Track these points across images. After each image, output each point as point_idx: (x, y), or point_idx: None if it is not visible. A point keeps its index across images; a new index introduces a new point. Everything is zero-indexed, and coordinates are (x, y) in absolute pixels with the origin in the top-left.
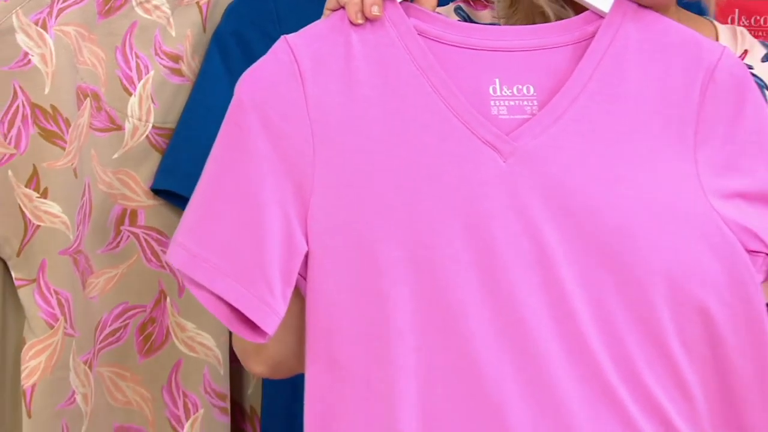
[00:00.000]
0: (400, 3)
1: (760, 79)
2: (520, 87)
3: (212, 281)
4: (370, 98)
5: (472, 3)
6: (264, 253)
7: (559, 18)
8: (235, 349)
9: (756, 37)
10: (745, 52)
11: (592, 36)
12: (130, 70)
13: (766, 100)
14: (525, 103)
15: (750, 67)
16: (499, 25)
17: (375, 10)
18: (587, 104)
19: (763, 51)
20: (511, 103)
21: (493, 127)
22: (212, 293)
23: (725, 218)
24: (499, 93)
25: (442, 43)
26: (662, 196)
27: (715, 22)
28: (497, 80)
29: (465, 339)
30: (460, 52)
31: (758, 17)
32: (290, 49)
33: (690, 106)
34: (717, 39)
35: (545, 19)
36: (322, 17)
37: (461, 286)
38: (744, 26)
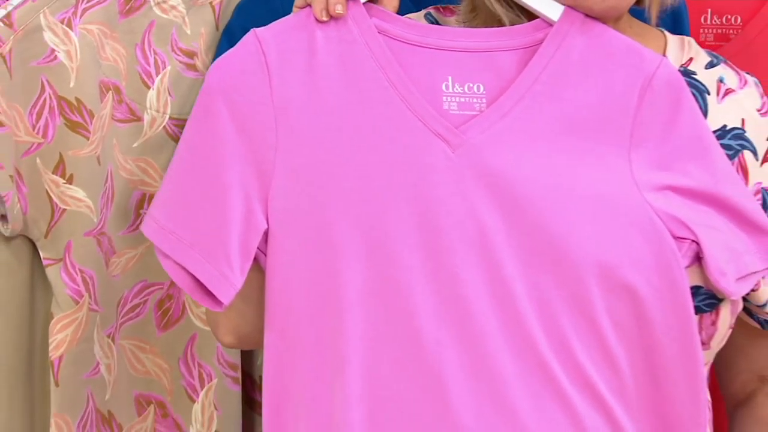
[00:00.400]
0: (363, 3)
1: (703, 85)
2: (471, 85)
3: (177, 252)
4: (331, 90)
5: (441, 10)
6: (225, 229)
7: (513, 25)
8: (207, 321)
9: (728, 35)
10: (690, 59)
11: (541, 42)
12: (149, 66)
13: (707, 104)
14: (474, 100)
15: (694, 73)
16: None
17: (339, 9)
18: (532, 104)
19: (707, 59)
20: (462, 99)
21: (444, 121)
22: (177, 263)
23: (655, 209)
24: (451, 90)
25: (401, 41)
26: (596, 188)
27: (666, 33)
28: (450, 78)
29: (409, 313)
30: (417, 51)
31: (729, 16)
32: (258, 41)
33: (628, 110)
34: (665, 48)
35: (501, 25)
36: (291, 14)
37: (408, 264)
38: (715, 25)
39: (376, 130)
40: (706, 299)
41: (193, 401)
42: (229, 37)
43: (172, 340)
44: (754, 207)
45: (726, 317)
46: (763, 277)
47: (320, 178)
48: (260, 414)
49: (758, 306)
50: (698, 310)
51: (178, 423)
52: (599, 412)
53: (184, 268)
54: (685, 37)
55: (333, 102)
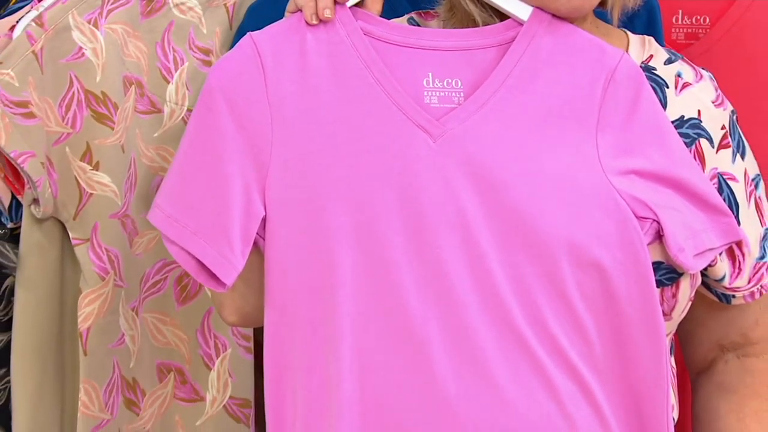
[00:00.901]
0: (349, 7)
1: (663, 79)
2: (450, 80)
3: (182, 239)
4: (321, 87)
5: (423, 14)
6: (226, 216)
7: (486, 24)
8: (212, 302)
9: (697, 34)
10: (651, 56)
11: (512, 40)
12: (168, 62)
13: (666, 96)
14: (453, 94)
15: (654, 69)
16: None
17: (327, 13)
18: (506, 96)
19: (665, 56)
20: (442, 93)
21: (425, 113)
22: (182, 248)
23: (620, 191)
24: (431, 85)
25: (384, 41)
26: (565, 172)
27: (628, 32)
28: (430, 74)
29: (396, 288)
30: (399, 50)
31: (698, 17)
32: (254, 44)
33: (593, 100)
34: (628, 46)
35: (476, 25)
36: (284, 18)
37: (394, 245)
38: (686, 25)
39: (363, 123)
40: (667, 273)
41: (210, 369)
42: (241, 36)
43: (190, 313)
44: (709, 189)
45: (686, 290)
46: (719, 254)
47: (312, 168)
48: None
49: (716, 280)
50: (659, 283)
51: (196, 389)
52: (571, 378)
53: (189, 253)
54: (645, 36)
55: (323, 98)
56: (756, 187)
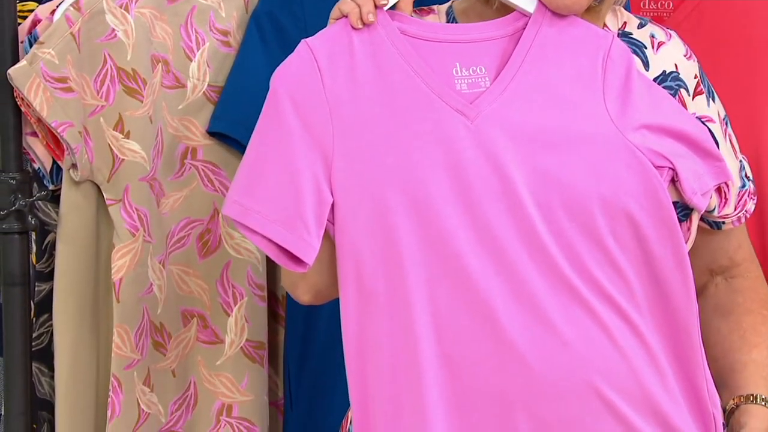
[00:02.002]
0: (386, 11)
1: (640, 41)
2: (475, 68)
3: (263, 227)
4: (369, 83)
5: (418, 11)
6: (301, 204)
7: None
8: (284, 285)
9: (662, 18)
10: (624, 23)
11: (523, 29)
12: (191, 42)
13: (647, 56)
14: (479, 79)
15: (630, 33)
16: (447, 23)
17: (371, 17)
18: (524, 78)
19: (637, 21)
20: (470, 80)
21: (460, 99)
22: (263, 236)
23: (636, 145)
24: (460, 73)
25: (418, 38)
26: (588, 136)
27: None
28: (458, 64)
29: (456, 254)
30: (430, 45)
31: (663, 1)
32: (310, 49)
33: (596, 75)
34: (604, 20)
35: (488, 18)
36: (329, 25)
37: (449, 216)
38: (652, 9)
39: (408, 112)
40: (682, 211)
41: (228, 315)
42: (255, 20)
43: (211, 266)
44: (705, 136)
45: (696, 223)
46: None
47: (369, 156)
48: (282, 325)
49: (708, 212)
50: (678, 220)
51: (216, 332)
52: (617, 315)
53: (269, 240)
54: (615, 6)
55: (372, 93)
56: (727, 125)
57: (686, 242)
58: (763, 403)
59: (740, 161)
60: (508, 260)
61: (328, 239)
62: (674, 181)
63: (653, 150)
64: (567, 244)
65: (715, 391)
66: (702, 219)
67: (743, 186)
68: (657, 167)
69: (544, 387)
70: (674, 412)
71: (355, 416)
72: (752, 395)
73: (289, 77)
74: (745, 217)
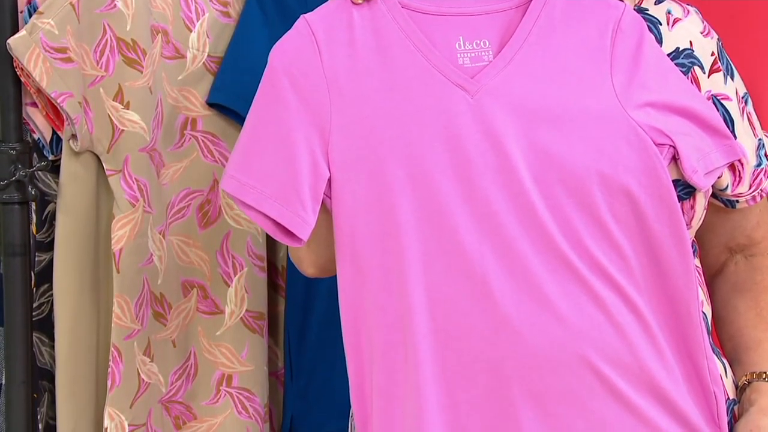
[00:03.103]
0: None
1: (656, 17)
2: (479, 42)
3: (259, 203)
4: (369, 58)
5: None
6: (297, 180)
7: None
8: (292, 258)
9: None
10: None
11: (529, 2)
12: (191, 13)
13: (661, 33)
14: (483, 53)
15: (647, 9)
16: None
17: None
18: (529, 51)
19: None
20: (473, 54)
21: (462, 73)
22: (259, 212)
23: (638, 122)
24: (463, 47)
25: (420, 12)
26: (589, 111)
27: None
28: (461, 37)
29: (452, 229)
30: (433, 19)
31: None
32: (308, 25)
33: (604, 48)
34: None
35: None
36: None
37: (446, 190)
38: None
39: (409, 86)
40: (684, 189)
41: (228, 285)
42: None
43: (211, 236)
44: (713, 114)
45: (701, 201)
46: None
47: (368, 130)
48: (282, 296)
49: (721, 190)
50: (678, 198)
51: (216, 303)
52: (614, 291)
53: (265, 215)
54: None
55: (372, 68)
56: (746, 103)
57: (691, 220)
58: None
59: (759, 140)
60: (504, 235)
61: (327, 214)
62: (675, 159)
63: (655, 127)
64: (564, 219)
65: (717, 369)
66: (716, 197)
67: (759, 164)
68: (657, 145)
69: (538, 360)
70: (672, 388)
71: (352, 386)
72: (764, 372)
73: (287, 53)
74: (761, 196)
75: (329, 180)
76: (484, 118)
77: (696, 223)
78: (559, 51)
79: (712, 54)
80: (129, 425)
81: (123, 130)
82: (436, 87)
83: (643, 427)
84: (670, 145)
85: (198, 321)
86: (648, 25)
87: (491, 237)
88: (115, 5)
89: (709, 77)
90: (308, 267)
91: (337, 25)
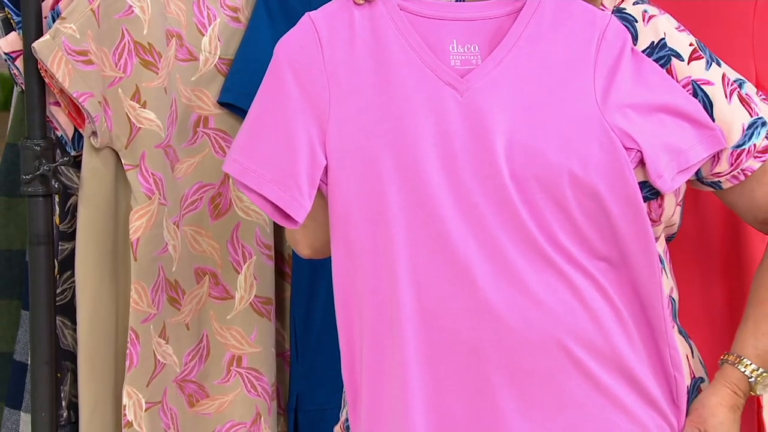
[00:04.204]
0: None
1: (632, 16)
2: (469, 46)
3: (259, 186)
4: (367, 55)
5: None
6: (295, 165)
7: None
8: (288, 239)
9: None
10: (621, 0)
11: (520, 10)
12: (203, 18)
13: (636, 30)
14: (472, 57)
15: (624, 9)
16: (455, 1)
17: None
18: (517, 55)
19: (633, 0)
20: (463, 57)
21: (453, 73)
22: (259, 194)
23: (612, 126)
24: (456, 50)
25: (418, 15)
26: (569, 113)
27: None
28: (455, 41)
29: (438, 218)
30: (429, 22)
31: None
32: (312, 22)
33: (589, 55)
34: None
35: None
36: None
37: (434, 182)
38: None
39: (403, 84)
40: (650, 190)
41: (238, 272)
42: None
43: (222, 227)
44: (696, 108)
45: (670, 200)
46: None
47: (363, 122)
48: (289, 282)
49: (698, 178)
50: (646, 198)
51: (227, 289)
52: (587, 278)
53: (265, 198)
54: None
55: (369, 64)
56: (740, 87)
57: (660, 216)
58: (735, 362)
59: (757, 119)
60: (484, 225)
61: (323, 199)
62: (642, 163)
63: (626, 132)
64: (538, 213)
65: (678, 355)
66: (703, 183)
67: (741, 144)
68: (627, 149)
69: (515, 342)
70: (640, 369)
71: (343, 361)
72: (732, 355)
73: (291, 47)
74: (744, 175)
75: (326, 168)
76: (472, 116)
77: (667, 220)
78: (545, 56)
79: (691, 44)
80: (146, 403)
81: (140, 128)
82: (428, 85)
83: (612, 406)
84: (638, 150)
85: (210, 306)
86: (625, 24)
87: (473, 226)
88: (132, 11)
89: (689, 64)
90: (304, 248)
91: (338, 24)
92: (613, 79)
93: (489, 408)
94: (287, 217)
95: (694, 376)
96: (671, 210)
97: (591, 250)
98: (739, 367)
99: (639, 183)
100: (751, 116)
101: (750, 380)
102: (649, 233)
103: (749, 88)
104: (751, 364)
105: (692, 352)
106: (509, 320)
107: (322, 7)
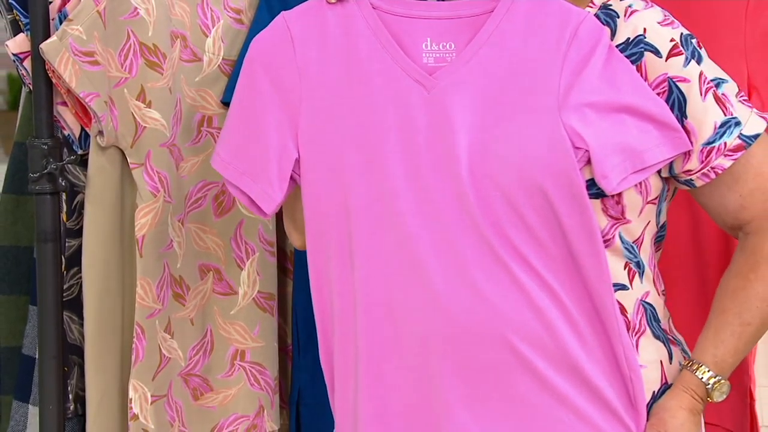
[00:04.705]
0: None
1: (615, 11)
2: (444, 44)
3: (235, 179)
4: (339, 53)
5: None
6: (266, 158)
7: None
8: (287, 232)
9: None
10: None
11: (494, 9)
12: (207, 20)
13: (616, 25)
14: (447, 54)
15: (611, 5)
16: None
17: None
18: (487, 53)
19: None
20: (438, 55)
21: (422, 71)
22: (236, 186)
23: (566, 124)
24: (429, 48)
25: (390, 14)
26: (528, 111)
27: None
28: (428, 39)
29: (397, 212)
30: (403, 20)
31: None
32: (285, 22)
33: (559, 53)
34: None
35: None
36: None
37: (396, 176)
38: None
39: (372, 80)
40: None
41: (241, 269)
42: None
43: (225, 224)
44: (661, 110)
45: (631, 195)
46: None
47: (333, 117)
48: (290, 278)
49: (672, 176)
50: (598, 195)
51: (231, 285)
52: (534, 278)
53: (241, 189)
54: None
55: (341, 62)
56: (717, 86)
57: (622, 213)
58: (693, 369)
59: (731, 118)
60: (440, 221)
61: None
62: (590, 162)
63: (577, 132)
64: (491, 210)
65: (633, 355)
66: (679, 182)
67: (711, 142)
68: (575, 148)
69: (462, 337)
70: (591, 368)
71: (321, 346)
72: (692, 361)
73: (264, 45)
74: (715, 173)
75: (297, 160)
76: (437, 113)
77: (635, 216)
78: (516, 54)
79: (672, 40)
80: (151, 396)
81: (145, 127)
82: (396, 82)
83: (559, 405)
84: (586, 150)
85: (214, 301)
86: (607, 20)
87: (430, 221)
88: (138, 13)
89: (666, 60)
90: (296, 240)
91: (311, 22)
92: (578, 77)
93: (434, 400)
94: (260, 207)
95: (665, 382)
96: (636, 205)
97: (542, 249)
98: (696, 373)
99: (589, 180)
100: (725, 115)
101: (707, 387)
102: (595, 231)
103: (728, 89)
104: (708, 371)
105: (670, 359)
106: (458, 316)
107: (297, 6)
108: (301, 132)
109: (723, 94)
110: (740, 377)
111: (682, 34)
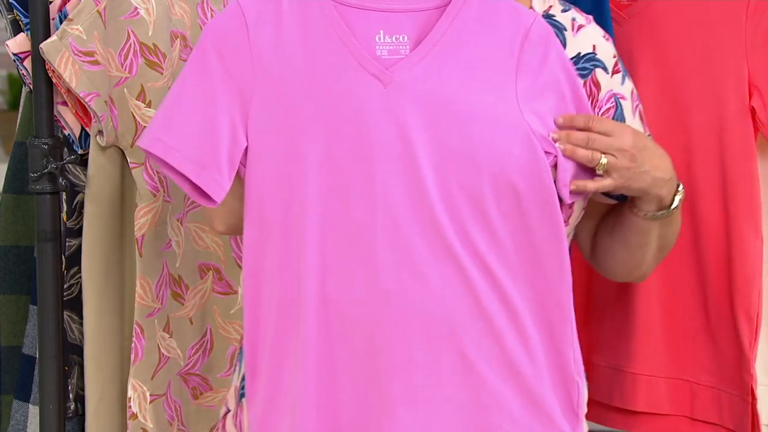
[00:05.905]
0: None
1: (561, 23)
2: (398, 36)
3: (180, 165)
4: (294, 41)
5: None
6: (216, 146)
7: None
8: (204, 216)
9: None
10: (550, 6)
11: (448, 4)
12: (207, 19)
13: (565, 38)
14: (400, 47)
15: (554, 15)
16: None
17: None
18: (443, 50)
19: (561, 6)
20: (391, 47)
21: (378, 64)
22: (179, 172)
23: (532, 129)
24: (382, 40)
25: (345, 5)
26: (491, 112)
27: None
28: (382, 31)
29: (350, 206)
30: (357, 12)
31: None
32: (240, 7)
33: (512, 53)
34: (531, 1)
35: None
36: None
37: (351, 170)
38: None
39: (327, 71)
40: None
41: (241, 268)
42: None
43: None
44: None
45: (578, 202)
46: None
47: (287, 106)
48: None
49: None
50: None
51: (230, 284)
52: (487, 279)
53: (185, 177)
54: None
55: (295, 50)
56: (639, 102)
57: (569, 218)
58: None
59: (648, 135)
60: (395, 217)
61: (238, 180)
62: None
63: (544, 137)
64: (454, 209)
65: (582, 363)
66: (610, 195)
67: None
68: (545, 152)
69: (407, 334)
70: (531, 373)
71: (246, 335)
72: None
73: (218, 29)
74: None
75: (246, 150)
76: (393, 108)
77: (574, 221)
78: (470, 52)
79: (614, 56)
80: (150, 395)
81: (145, 127)
82: (351, 74)
83: (497, 408)
84: (554, 155)
85: (214, 300)
86: (554, 31)
87: (383, 216)
88: (138, 13)
89: (612, 77)
90: (219, 224)
91: (267, 9)
92: (533, 81)
93: (377, 395)
94: (205, 195)
95: None
96: (578, 212)
97: (501, 249)
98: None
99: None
100: (646, 133)
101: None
102: (562, 235)
103: (641, 103)
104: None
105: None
106: (404, 312)
107: None
108: (252, 120)
109: (641, 110)
110: (741, 376)
111: (615, 47)
